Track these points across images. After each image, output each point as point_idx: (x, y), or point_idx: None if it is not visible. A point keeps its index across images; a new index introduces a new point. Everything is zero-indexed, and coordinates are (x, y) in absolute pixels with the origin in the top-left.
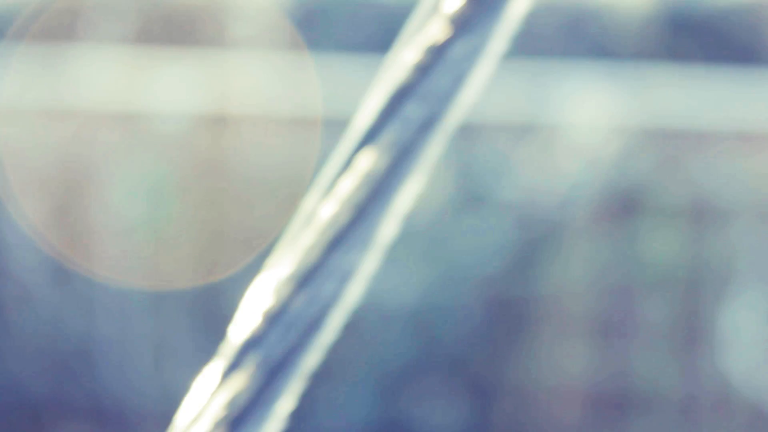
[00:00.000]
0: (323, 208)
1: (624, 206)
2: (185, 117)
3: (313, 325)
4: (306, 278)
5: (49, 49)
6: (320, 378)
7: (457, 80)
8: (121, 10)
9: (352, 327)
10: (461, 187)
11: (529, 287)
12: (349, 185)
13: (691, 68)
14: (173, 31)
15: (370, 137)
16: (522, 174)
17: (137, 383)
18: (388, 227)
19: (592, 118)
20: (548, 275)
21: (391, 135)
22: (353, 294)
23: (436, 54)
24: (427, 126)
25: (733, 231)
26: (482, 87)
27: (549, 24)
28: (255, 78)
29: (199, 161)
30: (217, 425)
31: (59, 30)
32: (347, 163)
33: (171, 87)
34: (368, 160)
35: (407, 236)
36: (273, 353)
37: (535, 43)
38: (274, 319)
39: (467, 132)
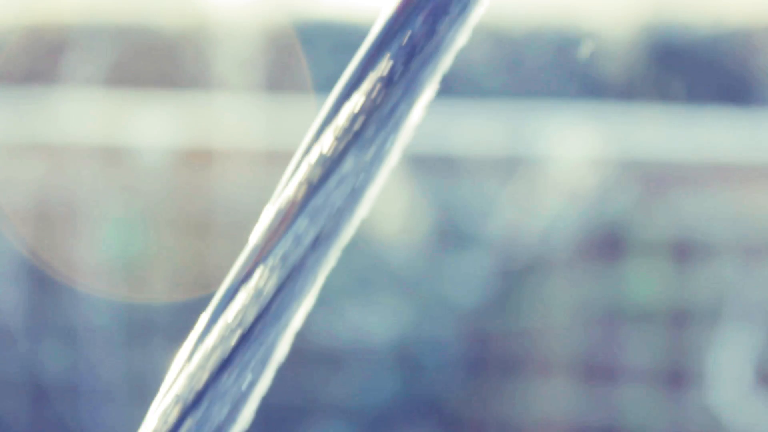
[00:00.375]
0: (214, 330)
1: (607, 242)
2: (165, 152)
3: None
4: (194, 403)
5: (30, 88)
6: (302, 414)
7: (350, 196)
8: (101, 48)
9: (334, 363)
10: (443, 222)
11: (512, 323)
12: (239, 304)
13: (675, 103)
14: (153, 70)
15: (262, 254)
16: (504, 209)
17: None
18: (281, 346)
19: (574, 153)
20: (531, 311)
21: (281, 252)
22: (247, 414)
23: (329, 168)
24: (318, 242)
25: (717, 266)
26: (373, 203)
27: (530, 60)
28: (234, 115)
29: (178, 197)
30: None
31: (40, 69)
32: (239, 282)
33: (152, 124)
34: (259, 279)
35: (389, 271)
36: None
37: (517, 80)
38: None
39: (448, 167)
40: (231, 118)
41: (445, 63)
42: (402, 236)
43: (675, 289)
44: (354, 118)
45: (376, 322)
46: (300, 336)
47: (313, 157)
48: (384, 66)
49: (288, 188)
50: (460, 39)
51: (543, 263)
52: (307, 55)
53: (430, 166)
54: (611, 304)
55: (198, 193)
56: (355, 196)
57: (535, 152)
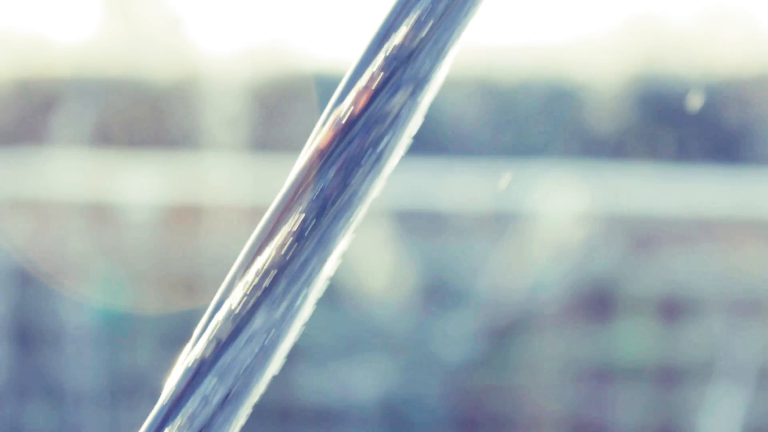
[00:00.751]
0: None
1: (596, 298)
2: (153, 210)
3: None
4: None
5: (18, 145)
6: None
7: (260, 353)
8: (89, 104)
9: (322, 420)
10: (430, 280)
11: (500, 380)
12: None
13: (663, 160)
14: (140, 127)
15: (170, 415)
16: (492, 266)
17: None
18: None
19: (562, 210)
20: (519, 368)
21: (189, 412)
22: None
23: (238, 325)
24: (227, 402)
25: (706, 323)
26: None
27: (520, 114)
28: (221, 172)
29: (165, 254)
30: None
31: (28, 125)
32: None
33: (139, 181)
34: None
35: (376, 329)
36: None
37: (506, 135)
38: None
39: (436, 224)
40: (218, 176)
41: (358, 215)
42: (389, 293)
43: (663, 347)
44: (264, 273)
45: (364, 380)
46: (289, 393)
47: (222, 313)
48: (295, 220)
49: (197, 346)
50: (374, 191)
51: (531, 320)
52: (294, 111)
53: (418, 223)
54: (599, 361)
55: (184, 250)
56: (265, 353)
57: (523, 209)
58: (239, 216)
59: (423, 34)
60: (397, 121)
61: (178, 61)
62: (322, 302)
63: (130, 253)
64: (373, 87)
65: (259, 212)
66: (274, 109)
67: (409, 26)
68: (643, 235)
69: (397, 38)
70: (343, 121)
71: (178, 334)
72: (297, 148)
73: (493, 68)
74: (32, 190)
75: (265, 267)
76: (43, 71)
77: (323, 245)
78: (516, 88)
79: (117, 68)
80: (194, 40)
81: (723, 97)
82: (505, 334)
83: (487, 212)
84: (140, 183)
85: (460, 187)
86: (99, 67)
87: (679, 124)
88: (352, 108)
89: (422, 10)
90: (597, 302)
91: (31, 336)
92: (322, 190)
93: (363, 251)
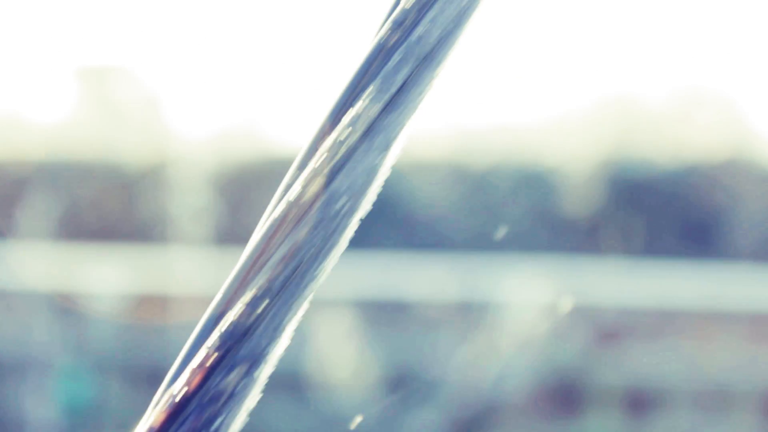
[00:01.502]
0: None
1: (562, 390)
2: (119, 300)
3: None
4: None
5: None
6: None
7: None
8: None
9: None
10: (396, 369)
11: None
12: None
13: (630, 252)
14: (109, 217)
15: None
16: (458, 356)
17: None
18: None
19: (529, 301)
20: None
21: None
22: None
23: None
24: None
25: (671, 415)
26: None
27: (488, 202)
28: (186, 263)
29: (130, 344)
30: None
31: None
32: None
33: (105, 272)
34: None
35: (340, 415)
36: None
37: (474, 227)
38: None
39: (402, 314)
40: (184, 267)
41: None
42: (354, 384)
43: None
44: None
45: None
46: None
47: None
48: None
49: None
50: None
51: (496, 412)
52: (262, 200)
53: (384, 314)
54: None
55: (150, 341)
56: None
57: (490, 300)
58: (205, 307)
59: (259, 310)
60: (231, 400)
61: (150, 144)
62: (287, 392)
63: (95, 344)
64: (207, 365)
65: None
66: (242, 198)
67: (244, 303)
68: (610, 327)
69: (231, 315)
70: (176, 401)
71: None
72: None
73: (463, 151)
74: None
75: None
76: (14, 154)
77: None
78: (486, 173)
79: (89, 151)
80: (168, 123)
81: (693, 183)
82: (471, 426)
83: (454, 303)
84: (106, 274)
85: (427, 277)
86: (71, 150)
87: (649, 212)
88: (185, 389)
89: (258, 289)
90: (563, 394)
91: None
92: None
93: (329, 342)
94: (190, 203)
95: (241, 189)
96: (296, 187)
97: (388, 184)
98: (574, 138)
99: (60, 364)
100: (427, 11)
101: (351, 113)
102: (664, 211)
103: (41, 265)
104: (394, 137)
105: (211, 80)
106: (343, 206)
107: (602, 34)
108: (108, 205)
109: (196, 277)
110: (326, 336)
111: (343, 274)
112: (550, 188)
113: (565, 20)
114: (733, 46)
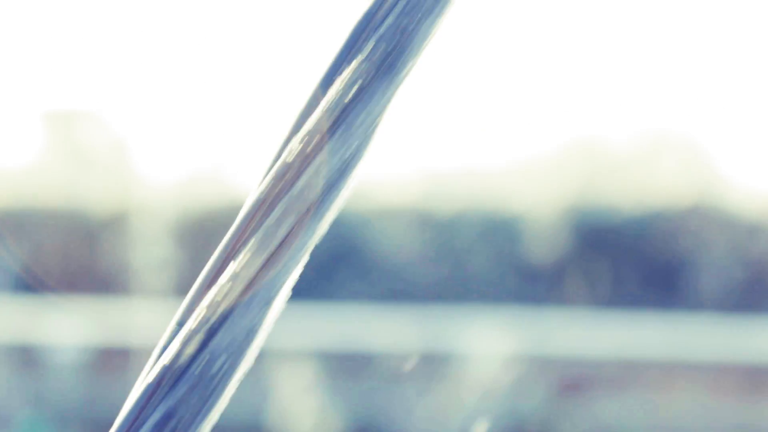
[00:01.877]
0: None
1: None
2: (80, 353)
3: None
4: None
5: None
6: None
7: None
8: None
9: None
10: (359, 420)
11: None
12: None
13: (594, 302)
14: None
15: None
16: (421, 407)
17: None
18: None
19: (492, 352)
20: None
21: None
22: None
23: None
24: None
25: None
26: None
27: (451, 252)
28: (148, 315)
29: (92, 397)
30: None
31: None
32: None
33: (66, 324)
34: None
35: None
36: None
37: (437, 273)
38: None
39: (364, 365)
40: (146, 318)
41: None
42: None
43: None
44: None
45: None
46: None
47: None
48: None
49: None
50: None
51: None
52: None
53: (346, 366)
54: None
55: (112, 393)
56: None
57: (453, 351)
58: None
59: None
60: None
61: (116, 189)
62: None
63: (56, 395)
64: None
65: None
66: (206, 247)
67: None
68: (574, 378)
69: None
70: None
71: None
72: None
73: (427, 197)
74: None
75: None
76: None
77: None
78: (451, 219)
79: (54, 197)
80: (134, 168)
81: (658, 229)
82: None
83: (417, 354)
84: (68, 325)
85: (390, 328)
86: (36, 196)
87: (614, 260)
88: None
89: None
90: None
91: None
92: None
93: (290, 394)
94: (154, 252)
95: (206, 237)
96: (175, 345)
97: (350, 231)
98: (538, 183)
99: (20, 417)
100: (309, 165)
101: (231, 268)
102: (629, 259)
103: (1, 315)
104: (275, 294)
105: (178, 125)
106: (222, 365)
107: (567, 78)
108: (72, 254)
109: (159, 329)
110: (287, 388)
111: (303, 325)
112: (514, 235)
113: (529, 65)
114: (698, 90)
